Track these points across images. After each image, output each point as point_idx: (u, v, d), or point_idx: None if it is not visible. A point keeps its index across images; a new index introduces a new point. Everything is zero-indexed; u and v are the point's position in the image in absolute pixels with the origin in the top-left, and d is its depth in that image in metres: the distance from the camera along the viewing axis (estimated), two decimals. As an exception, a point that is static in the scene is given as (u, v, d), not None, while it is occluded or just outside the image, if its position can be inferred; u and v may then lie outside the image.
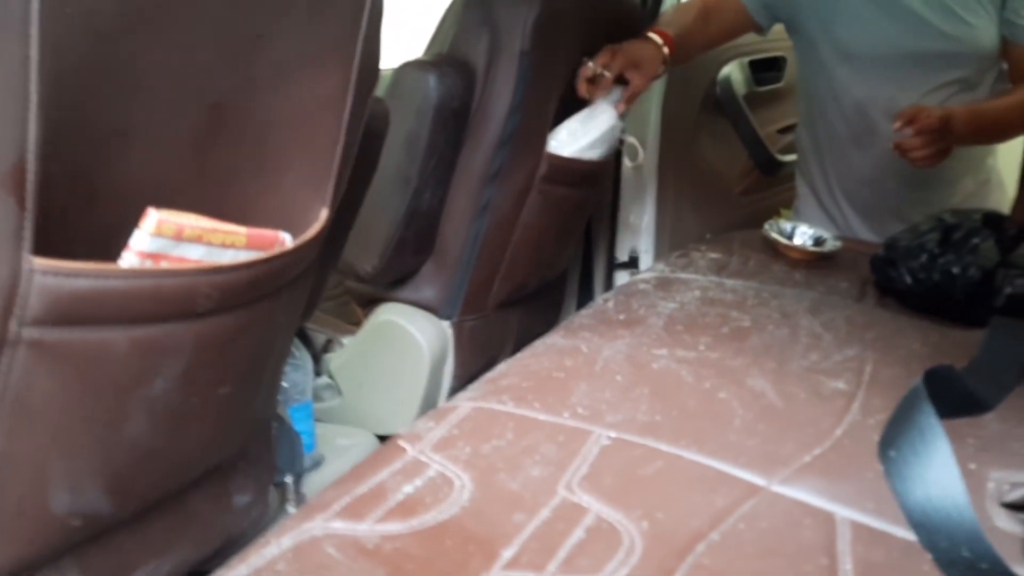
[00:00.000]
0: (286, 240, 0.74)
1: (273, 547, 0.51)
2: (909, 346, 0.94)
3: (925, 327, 1.04)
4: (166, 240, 0.59)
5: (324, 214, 0.79)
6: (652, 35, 1.35)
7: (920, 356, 0.92)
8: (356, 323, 1.52)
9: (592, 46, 1.26)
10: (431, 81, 1.11)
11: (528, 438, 0.66)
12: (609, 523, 0.56)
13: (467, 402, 0.73)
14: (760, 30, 1.61)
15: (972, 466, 0.68)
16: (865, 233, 1.64)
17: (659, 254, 1.83)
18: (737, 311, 0.98)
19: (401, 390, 1.40)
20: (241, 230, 0.67)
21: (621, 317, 0.95)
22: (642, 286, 1.10)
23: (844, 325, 0.99)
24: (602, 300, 1.05)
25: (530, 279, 1.45)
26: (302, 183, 0.77)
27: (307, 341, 1.43)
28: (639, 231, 1.82)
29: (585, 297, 1.80)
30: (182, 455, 0.73)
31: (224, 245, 0.65)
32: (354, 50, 0.74)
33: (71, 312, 0.54)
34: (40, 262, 0.51)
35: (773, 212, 2.16)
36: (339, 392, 1.49)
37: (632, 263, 1.82)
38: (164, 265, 0.60)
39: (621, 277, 1.82)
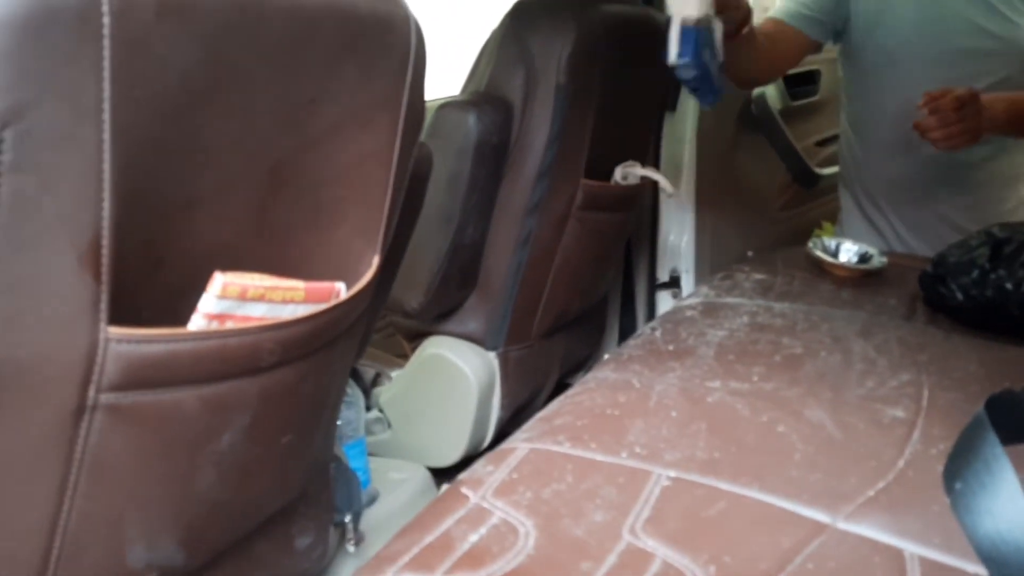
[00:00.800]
0: (341, 290, 0.75)
1: (348, 603, 0.52)
2: (965, 367, 0.93)
3: (980, 345, 1.02)
4: (231, 301, 0.61)
5: (376, 261, 0.81)
6: None
7: (978, 377, 0.90)
8: (403, 355, 1.53)
9: (624, 73, 1.28)
10: (471, 120, 1.13)
11: (588, 480, 0.67)
12: (677, 568, 0.56)
13: (523, 443, 0.74)
14: (820, 47, 1.60)
15: (1041, 495, 0.67)
16: (914, 243, 1.62)
17: (700, 273, 1.82)
18: (788, 337, 0.98)
19: (450, 422, 1.41)
20: (300, 285, 0.69)
21: (671, 347, 0.95)
22: (689, 313, 1.10)
23: (897, 347, 0.98)
24: (649, 329, 1.05)
25: (571, 305, 1.46)
26: (355, 233, 0.79)
27: (357, 377, 1.45)
28: (679, 251, 1.81)
29: (628, 319, 1.80)
30: (248, 504, 0.74)
31: (284, 301, 0.67)
32: (400, 102, 0.76)
33: (145, 376, 0.56)
34: (115, 331, 0.53)
35: (814, 225, 2.15)
36: (389, 425, 1.50)
37: (674, 283, 1.82)
38: (230, 325, 0.62)
39: (663, 297, 1.82)
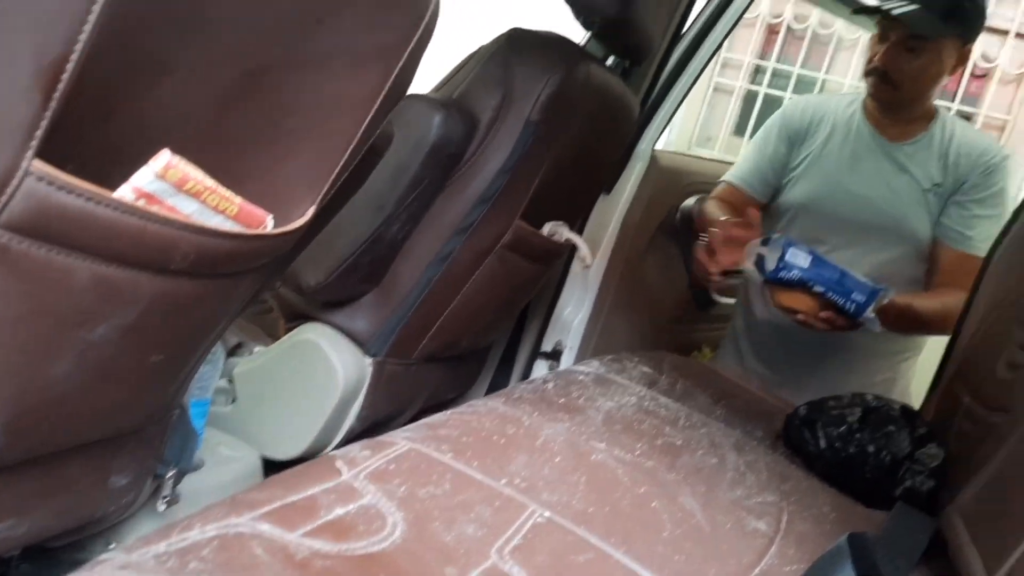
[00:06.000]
0: (269, 224, 0.71)
1: (196, 532, 0.46)
2: (820, 508, 0.96)
3: (834, 493, 1.07)
4: (167, 185, 0.56)
5: (311, 212, 0.76)
6: None
7: (830, 519, 0.94)
8: (273, 336, 1.45)
9: (586, 134, 1.30)
10: (436, 119, 1.11)
11: (464, 494, 0.64)
12: (538, 601, 0.54)
13: (405, 441, 0.70)
14: (767, 207, 1.70)
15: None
16: (779, 392, 1.70)
17: (581, 353, 1.84)
18: (671, 427, 0.99)
19: (300, 415, 1.34)
20: (236, 199, 0.64)
21: (561, 401, 0.94)
22: (581, 377, 1.10)
23: (765, 470, 1.00)
24: (541, 380, 1.04)
25: (462, 339, 1.43)
26: (302, 173, 0.75)
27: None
28: (570, 327, 1.83)
29: (502, 375, 1.78)
30: (90, 412, 0.67)
31: (217, 209, 0.62)
32: (396, 64, 0.73)
33: (49, 227, 0.49)
34: (39, 165, 0.47)
35: (695, 346, 2.23)
36: (233, 400, 1.41)
37: (555, 355, 1.82)
38: (155, 210, 0.56)
39: (540, 366, 1.82)
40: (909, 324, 1.52)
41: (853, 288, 1.37)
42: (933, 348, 1.64)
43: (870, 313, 1.38)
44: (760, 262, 1.44)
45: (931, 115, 1.56)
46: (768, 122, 1.74)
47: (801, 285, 1.38)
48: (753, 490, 0.90)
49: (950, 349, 1.44)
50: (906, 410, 1.24)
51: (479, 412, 0.82)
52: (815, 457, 1.20)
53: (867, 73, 1.52)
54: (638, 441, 0.88)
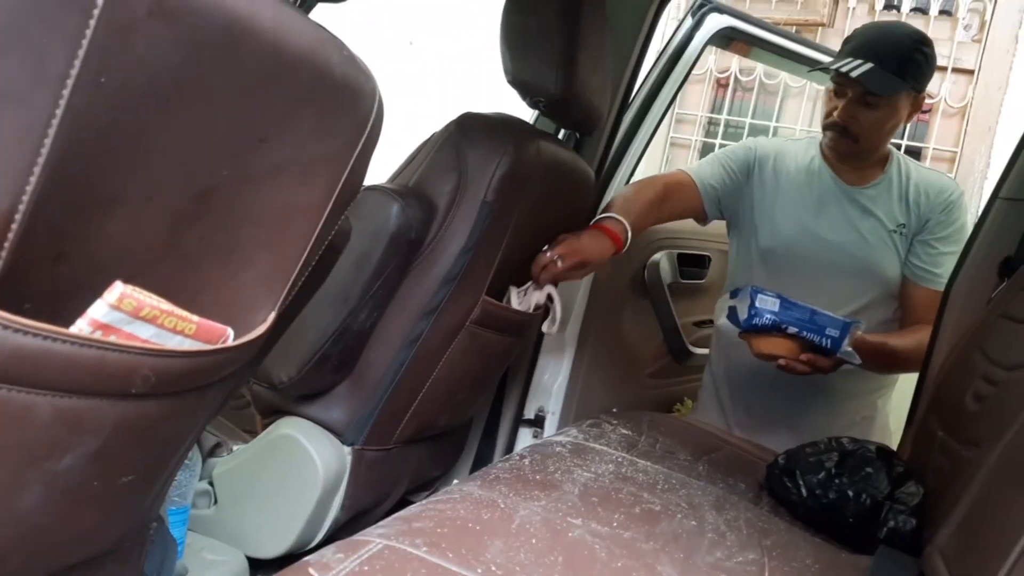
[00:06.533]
0: (230, 336, 0.72)
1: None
2: (803, 560, 0.97)
3: (817, 543, 1.07)
4: (123, 314, 0.57)
5: (272, 317, 0.78)
6: (607, 229, 1.45)
7: (813, 571, 0.94)
8: (251, 431, 1.45)
9: (543, 207, 1.33)
10: (394, 209, 1.14)
11: (441, 589, 0.64)
12: None
13: (379, 539, 0.71)
14: (703, 220, 1.73)
15: None
16: (748, 431, 1.71)
17: (564, 418, 1.85)
18: (648, 493, 0.99)
19: (283, 512, 1.33)
20: (193, 318, 0.65)
21: (537, 477, 0.95)
22: (558, 448, 1.10)
23: (745, 527, 1.01)
24: (518, 456, 1.05)
25: (440, 418, 1.44)
26: (260, 281, 0.76)
27: (197, 441, 1.36)
28: (550, 392, 1.84)
29: (486, 449, 1.78)
30: (64, 539, 0.67)
31: (174, 330, 0.63)
32: (345, 167, 0.76)
33: (8, 368, 0.51)
34: (-6, 312, 0.49)
35: (676, 399, 2.24)
36: (215, 501, 1.40)
37: (538, 422, 1.83)
38: (113, 339, 0.57)
39: (524, 434, 1.82)
40: (885, 361, 1.55)
41: (825, 324, 1.40)
42: (906, 380, 1.67)
43: (847, 347, 1.41)
44: (733, 314, 1.47)
45: (886, 158, 1.62)
46: (735, 145, 1.78)
47: (776, 329, 1.40)
48: (733, 550, 0.90)
49: (920, 383, 1.47)
50: (882, 450, 1.26)
51: (454, 499, 0.83)
52: (798, 505, 1.21)
53: (826, 127, 1.57)
54: (616, 512, 0.89)
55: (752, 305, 1.42)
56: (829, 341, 1.40)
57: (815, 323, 1.40)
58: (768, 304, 1.41)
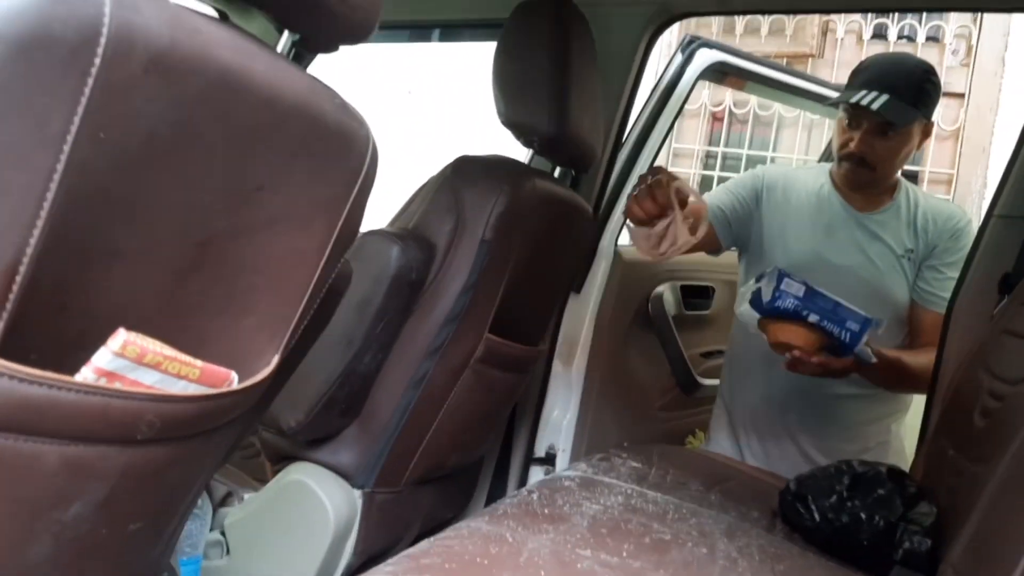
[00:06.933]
0: (234, 380, 0.73)
1: None
2: (818, 584, 0.96)
3: (832, 567, 1.06)
4: (127, 361, 0.59)
5: (275, 361, 0.79)
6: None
7: (829, 595, 0.93)
8: (261, 479, 1.45)
9: (542, 242, 1.35)
10: (394, 252, 1.16)
11: (449, 624, 0.64)
12: None
13: (387, 577, 0.71)
14: (717, 251, 1.74)
15: None
16: (762, 461, 1.70)
17: (575, 454, 1.84)
18: (658, 523, 0.99)
19: (296, 559, 1.32)
20: (197, 363, 0.67)
21: (546, 511, 0.95)
22: (566, 483, 1.10)
23: (757, 553, 1.00)
24: (526, 492, 1.05)
25: (449, 458, 1.44)
26: (262, 327, 0.78)
27: (207, 490, 1.37)
28: (560, 429, 1.84)
29: (498, 487, 1.77)
30: (73, 591, 0.67)
31: (178, 375, 0.64)
32: (341, 212, 0.78)
33: (15, 418, 0.52)
34: (1, 363, 0.50)
35: (688, 431, 2.23)
36: (227, 551, 1.40)
37: (548, 460, 1.82)
38: (117, 386, 0.59)
39: (536, 472, 1.82)
40: (899, 375, 1.55)
41: (847, 317, 1.39)
42: (920, 403, 1.66)
43: (863, 344, 1.39)
44: (756, 297, 1.44)
45: (895, 186, 1.65)
46: (742, 174, 1.80)
47: (796, 316, 1.38)
48: (746, 576, 0.90)
49: (929, 404, 1.47)
50: (893, 471, 1.25)
51: (462, 535, 0.83)
52: (812, 531, 1.20)
53: (842, 158, 1.59)
54: (625, 542, 0.89)
55: (777, 287, 1.40)
56: (848, 335, 1.38)
57: (837, 315, 1.38)
58: (794, 289, 1.40)
